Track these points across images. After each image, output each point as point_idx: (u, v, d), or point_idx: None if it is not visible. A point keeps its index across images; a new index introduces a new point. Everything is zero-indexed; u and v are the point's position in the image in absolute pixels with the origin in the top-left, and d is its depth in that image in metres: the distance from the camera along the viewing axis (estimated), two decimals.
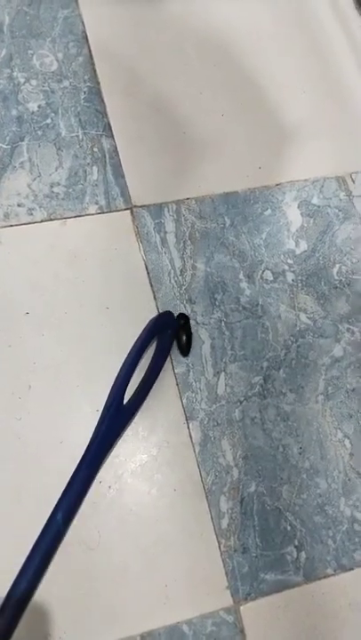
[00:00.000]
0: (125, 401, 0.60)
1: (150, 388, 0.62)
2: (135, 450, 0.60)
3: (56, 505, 0.56)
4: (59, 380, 0.61)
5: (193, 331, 0.65)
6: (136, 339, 0.62)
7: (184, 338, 0.64)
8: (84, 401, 0.61)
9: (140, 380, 0.62)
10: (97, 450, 0.58)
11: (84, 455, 0.58)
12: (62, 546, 0.55)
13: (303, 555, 0.59)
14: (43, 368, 0.62)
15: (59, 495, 0.56)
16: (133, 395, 0.61)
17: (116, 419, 0.59)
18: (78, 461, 0.57)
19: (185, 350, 0.64)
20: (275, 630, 0.56)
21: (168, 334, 0.64)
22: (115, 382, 0.61)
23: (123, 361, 0.62)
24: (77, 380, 0.62)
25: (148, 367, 0.63)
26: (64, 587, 0.55)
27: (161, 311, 0.66)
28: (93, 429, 0.59)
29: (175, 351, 0.65)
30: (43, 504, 0.56)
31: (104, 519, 0.57)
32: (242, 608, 0.57)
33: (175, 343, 0.65)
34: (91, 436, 0.59)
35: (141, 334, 0.62)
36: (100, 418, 0.60)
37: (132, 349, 0.62)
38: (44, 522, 0.55)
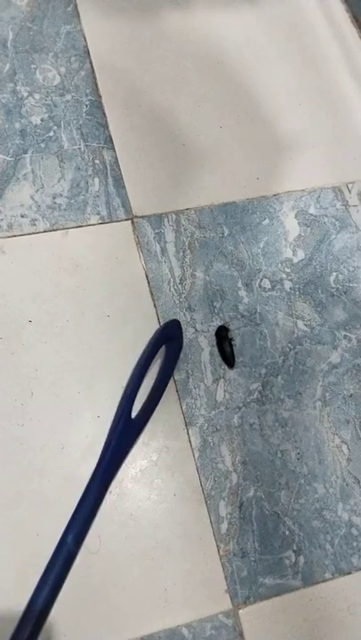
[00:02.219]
0: (134, 414, 0.60)
1: (159, 399, 0.61)
2: (135, 455, 0.61)
3: (66, 527, 0.54)
4: (60, 386, 0.62)
5: (192, 337, 0.67)
6: (142, 350, 0.62)
7: (229, 349, 0.65)
8: (85, 407, 0.62)
9: (148, 389, 0.62)
10: (106, 468, 0.57)
11: (93, 474, 0.57)
12: None
13: (302, 559, 0.60)
14: (44, 375, 0.63)
15: (60, 499, 0.57)
16: (142, 408, 0.61)
17: (124, 433, 0.59)
18: (88, 480, 0.57)
19: (231, 361, 0.65)
20: (273, 634, 0.57)
21: (175, 344, 0.64)
22: (122, 396, 0.61)
23: (125, 369, 0.62)
24: (78, 387, 0.63)
25: (156, 378, 0.62)
26: (65, 590, 0.55)
27: (161, 319, 0.67)
28: (103, 444, 0.59)
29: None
30: (44, 509, 0.57)
31: (105, 524, 0.58)
32: (241, 612, 0.57)
33: (220, 356, 0.66)
34: (101, 449, 0.58)
35: (148, 346, 0.62)
36: (109, 434, 0.59)
37: (138, 362, 0.62)
38: (45, 526, 0.55)
